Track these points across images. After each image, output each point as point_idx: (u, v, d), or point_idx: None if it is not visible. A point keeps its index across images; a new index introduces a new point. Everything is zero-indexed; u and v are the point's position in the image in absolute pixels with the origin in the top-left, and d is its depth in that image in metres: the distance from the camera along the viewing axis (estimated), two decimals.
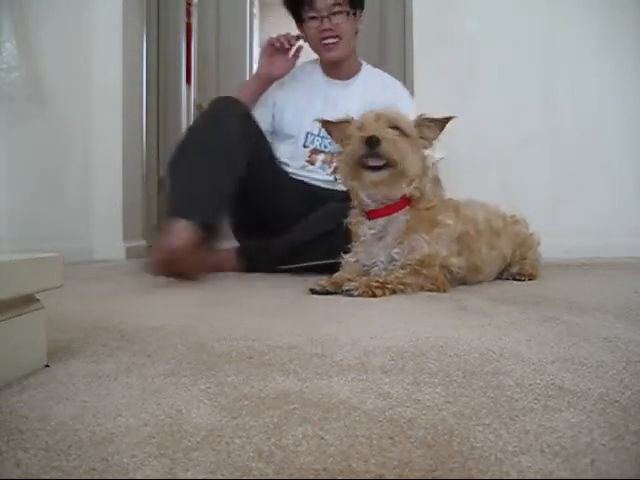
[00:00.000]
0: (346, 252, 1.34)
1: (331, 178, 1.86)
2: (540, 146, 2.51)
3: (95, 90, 2.50)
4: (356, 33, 1.85)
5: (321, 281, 1.23)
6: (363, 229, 1.30)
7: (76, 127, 2.40)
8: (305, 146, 1.86)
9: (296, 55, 1.85)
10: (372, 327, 0.83)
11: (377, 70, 1.97)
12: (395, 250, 1.25)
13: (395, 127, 1.23)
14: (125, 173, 2.57)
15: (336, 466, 0.36)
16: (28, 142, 2.06)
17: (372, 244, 1.29)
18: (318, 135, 1.84)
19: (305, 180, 1.85)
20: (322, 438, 0.41)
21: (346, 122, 1.33)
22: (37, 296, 0.61)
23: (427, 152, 1.32)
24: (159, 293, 1.32)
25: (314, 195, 1.80)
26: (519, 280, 1.49)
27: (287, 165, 1.88)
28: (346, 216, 1.35)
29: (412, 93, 2.52)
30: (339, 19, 1.75)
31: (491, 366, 0.60)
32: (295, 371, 0.59)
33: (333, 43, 1.78)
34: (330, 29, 1.75)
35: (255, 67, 3.55)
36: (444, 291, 1.23)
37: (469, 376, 0.56)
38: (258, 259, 1.72)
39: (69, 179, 2.35)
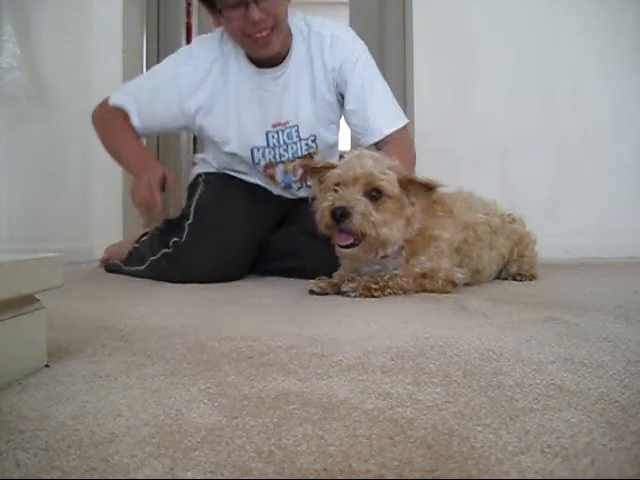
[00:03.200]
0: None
1: (302, 193, 1.61)
2: (540, 146, 2.51)
3: (95, 90, 2.48)
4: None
5: (320, 282, 1.23)
6: (361, 265, 1.26)
7: (76, 127, 2.40)
8: (255, 163, 1.55)
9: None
10: (372, 327, 0.83)
11: (309, 30, 1.47)
12: (396, 272, 1.22)
13: (376, 189, 1.13)
14: (125, 173, 2.56)
15: (336, 466, 0.36)
16: (28, 142, 2.06)
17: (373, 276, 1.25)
18: (267, 146, 1.52)
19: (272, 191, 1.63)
20: (322, 438, 0.41)
21: (330, 167, 1.20)
22: (37, 296, 0.61)
23: None
24: (159, 293, 1.32)
25: (285, 207, 1.61)
26: (519, 280, 1.49)
27: (245, 173, 1.61)
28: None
29: (412, 94, 2.52)
30: (271, 2, 1.29)
31: (491, 366, 0.60)
32: (295, 371, 0.59)
33: (266, 36, 1.33)
34: (262, 20, 1.29)
35: None
36: (446, 292, 1.23)
37: (469, 376, 0.56)
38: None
39: (69, 179, 2.35)
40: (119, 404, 0.49)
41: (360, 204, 1.10)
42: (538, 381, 0.54)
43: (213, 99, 1.47)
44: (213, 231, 1.47)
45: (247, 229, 1.49)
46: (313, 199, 1.25)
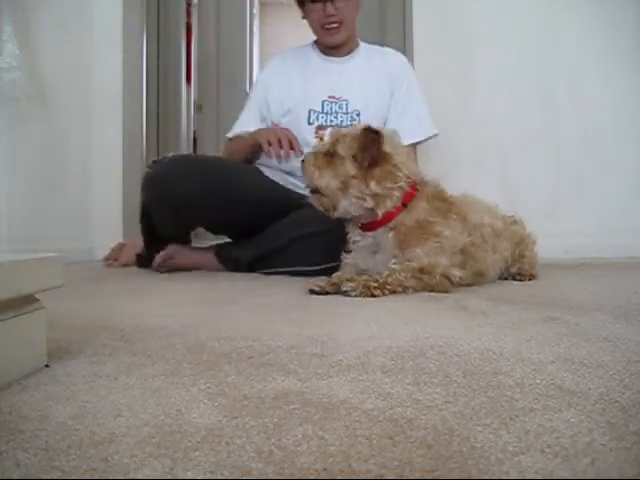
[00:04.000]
0: (334, 259, 1.37)
1: None
2: (540, 146, 2.51)
3: (95, 90, 2.49)
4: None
5: (320, 282, 1.23)
6: (356, 236, 1.33)
7: (76, 127, 2.40)
8: (310, 123, 1.86)
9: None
10: (372, 327, 0.83)
11: (375, 46, 2.00)
12: (392, 262, 1.24)
13: (331, 150, 1.28)
14: (125, 173, 2.57)
15: (336, 466, 0.36)
16: (28, 142, 2.06)
17: (368, 256, 1.30)
18: (322, 112, 1.86)
19: (295, 189, 1.80)
20: (322, 438, 0.41)
21: None
22: (37, 296, 0.61)
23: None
24: (159, 293, 1.32)
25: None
26: (519, 280, 1.49)
27: (292, 175, 1.82)
28: (316, 223, 1.39)
29: None
30: (342, 3, 1.78)
31: (491, 366, 0.60)
32: (295, 371, 0.59)
33: (336, 28, 1.80)
34: (333, 14, 1.77)
35: (255, 68, 3.56)
36: (446, 292, 1.23)
37: (469, 376, 0.56)
38: (233, 263, 1.76)
39: (69, 179, 2.35)
40: (119, 404, 0.49)
41: (309, 158, 1.32)
42: (538, 381, 0.54)
43: (290, 79, 1.90)
44: (200, 162, 1.75)
45: (246, 181, 1.74)
46: None
